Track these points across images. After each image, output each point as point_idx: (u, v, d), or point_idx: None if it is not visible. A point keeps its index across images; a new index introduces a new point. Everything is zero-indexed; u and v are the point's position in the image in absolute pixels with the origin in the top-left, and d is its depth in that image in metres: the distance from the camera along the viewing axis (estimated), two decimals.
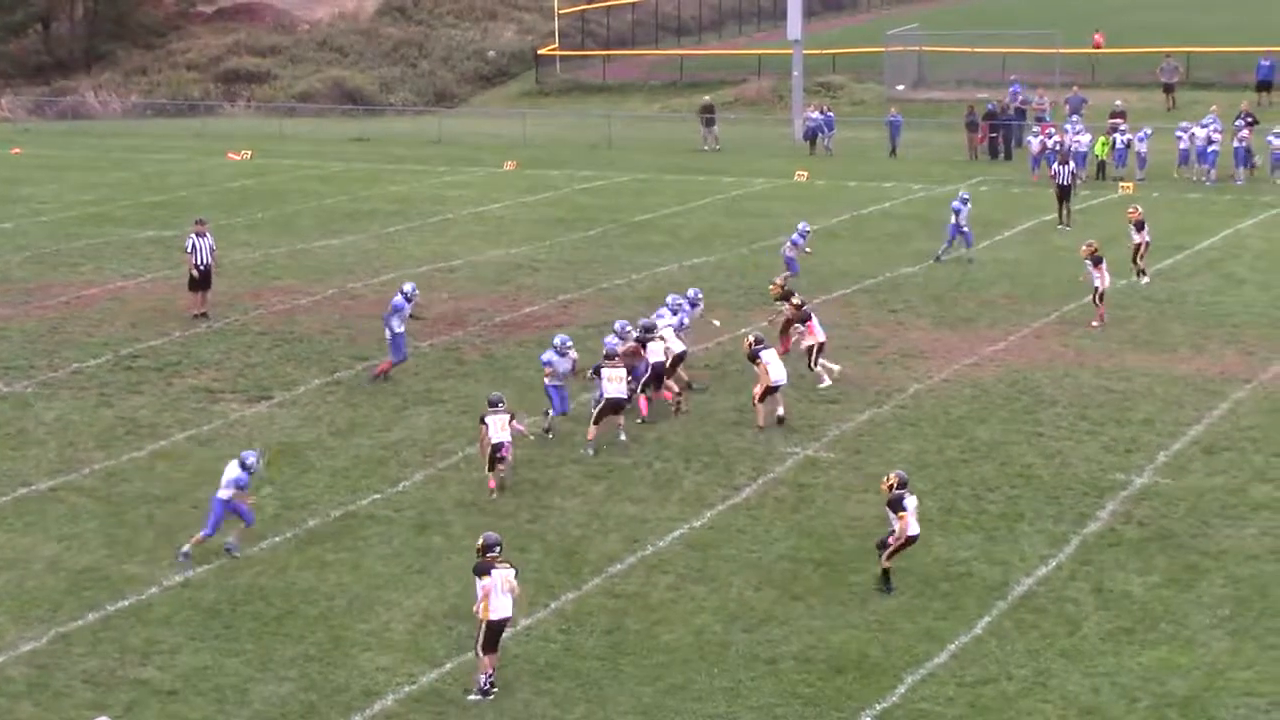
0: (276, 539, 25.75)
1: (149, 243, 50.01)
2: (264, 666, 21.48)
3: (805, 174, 61.68)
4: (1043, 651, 21.52)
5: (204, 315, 39.46)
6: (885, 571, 23.51)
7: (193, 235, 39.61)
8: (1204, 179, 57.81)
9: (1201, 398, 32.15)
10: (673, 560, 24.73)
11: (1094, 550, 24.81)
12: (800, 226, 42.14)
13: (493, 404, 27.61)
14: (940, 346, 36.33)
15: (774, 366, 30.65)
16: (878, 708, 20.14)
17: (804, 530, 25.62)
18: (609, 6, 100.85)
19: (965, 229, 44.33)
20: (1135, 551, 24.72)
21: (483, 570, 20.65)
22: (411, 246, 48.92)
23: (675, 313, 33.47)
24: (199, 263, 39.32)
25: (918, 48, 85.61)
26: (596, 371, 30.14)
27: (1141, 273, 41.81)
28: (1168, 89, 74.34)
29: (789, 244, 41.60)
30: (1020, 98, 69.08)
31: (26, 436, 31.11)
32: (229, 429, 31.39)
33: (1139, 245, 41.67)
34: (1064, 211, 50.06)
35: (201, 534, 24.79)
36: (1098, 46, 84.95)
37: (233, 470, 24.83)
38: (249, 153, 71.12)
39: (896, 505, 23.37)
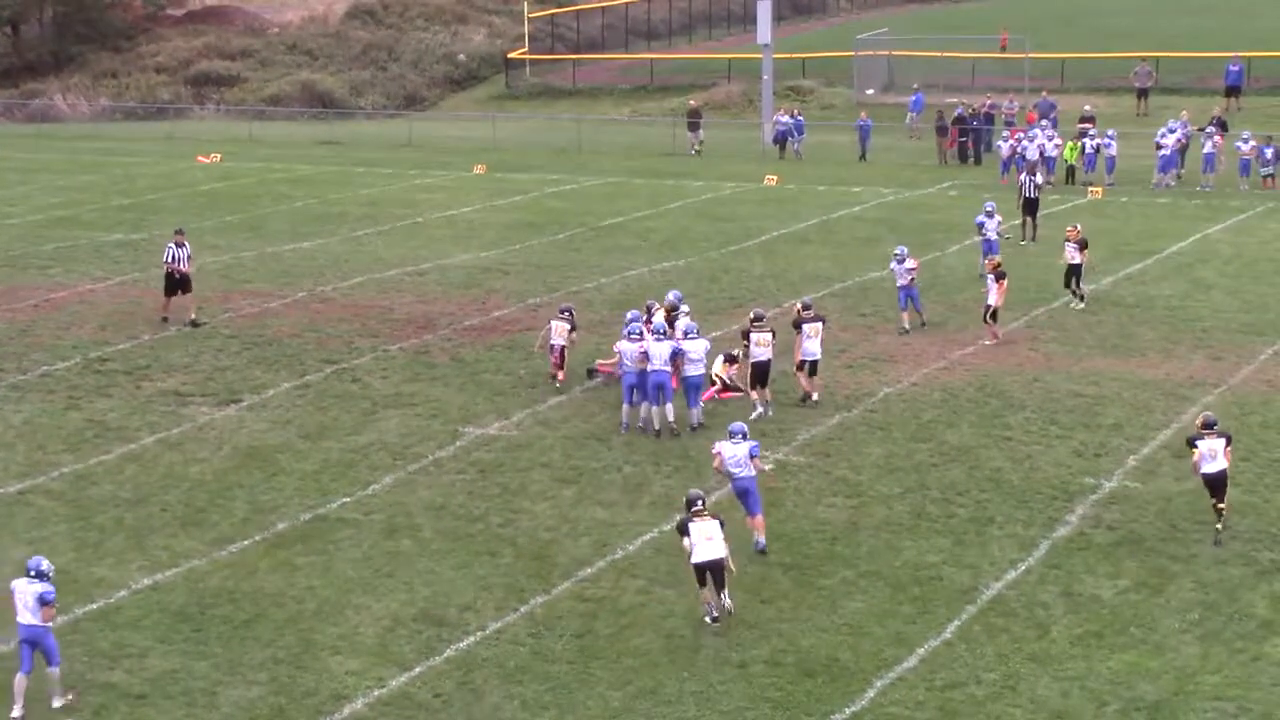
0: (245, 542, 25.69)
1: (118, 246, 49.88)
2: (233, 670, 21.43)
3: (775, 178, 61.77)
4: (1012, 656, 21.56)
5: (195, 323, 39.12)
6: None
7: (171, 245, 39.40)
8: (1199, 184, 58.02)
9: (1170, 402, 32.24)
10: (642, 564, 24.72)
11: (1063, 554, 24.85)
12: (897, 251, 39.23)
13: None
14: (910, 351, 36.38)
15: (808, 342, 32.14)
16: (847, 711, 20.14)
17: (773, 534, 25.59)
18: (579, 10, 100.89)
19: (993, 238, 43.23)
20: (1104, 556, 24.78)
21: (682, 529, 22.46)
22: (381, 250, 48.86)
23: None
24: (176, 268, 39.15)
25: (887, 52, 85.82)
26: (745, 336, 31.63)
27: (1080, 297, 40.01)
28: (1141, 94, 74.59)
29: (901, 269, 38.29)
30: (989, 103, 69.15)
31: None
32: (198, 432, 31.31)
33: (1078, 265, 39.68)
34: (1028, 225, 48.59)
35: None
36: (1003, 46, 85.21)
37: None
38: (218, 156, 70.98)
39: (1190, 443, 25.73)
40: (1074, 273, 39.86)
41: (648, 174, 64.56)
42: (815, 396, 32.44)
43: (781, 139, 69.47)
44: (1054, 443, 30.00)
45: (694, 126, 71.65)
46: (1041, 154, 58.94)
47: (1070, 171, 59.43)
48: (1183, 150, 59.25)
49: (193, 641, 22.25)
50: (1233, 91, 73.80)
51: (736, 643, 22.02)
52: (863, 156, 67.80)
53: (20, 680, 20.34)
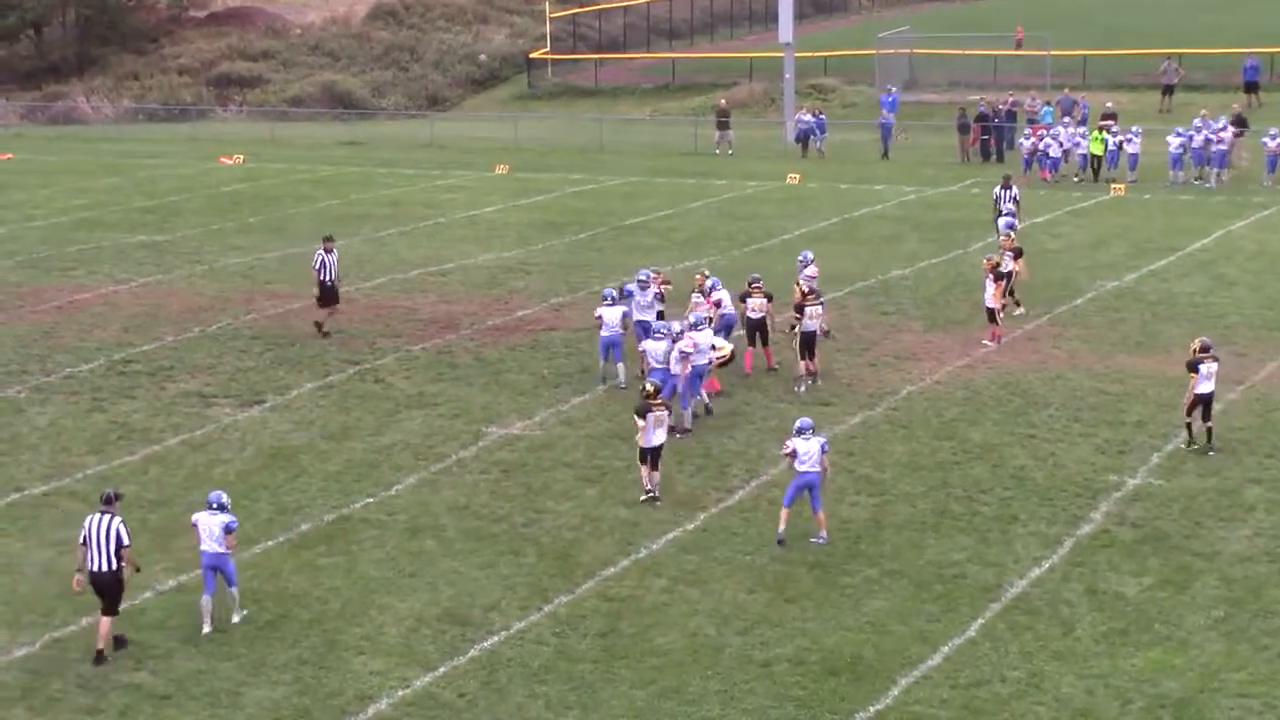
0: (269, 543, 25.73)
1: (141, 247, 49.98)
2: (257, 671, 21.47)
3: (797, 177, 61.72)
4: (1036, 653, 21.53)
5: (325, 333, 38.26)
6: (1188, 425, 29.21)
7: (321, 252, 38.54)
8: (1207, 181, 57.88)
9: None
10: (666, 563, 24.73)
11: (1087, 552, 24.82)
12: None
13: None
14: (932, 348, 36.34)
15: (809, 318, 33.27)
16: (871, 710, 20.13)
17: (796, 532, 25.58)
18: (600, 10, 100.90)
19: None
20: (1129, 553, 24.74)
21: (641, 414, 26.67)
22: (404, 250, 48.91)
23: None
24: (326, 278, 38.25)
25: (909, 50, 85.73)
26: (799, 309, 33.08)
27: (1017, 303, 38.95)
28: (1167, 90, 74.42)
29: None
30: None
31: (19, 441, 31.07)
32: (222, 433, 31.37)
33: (1012, 273, 38.22)
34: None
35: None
36: (1019, 43, 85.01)
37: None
38: (241, 157, 71.10)
39: (1192, 367, 28.81)
40: (1007, 280, 37.92)
41: (669, 173, 64.54)
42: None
43: (803, 138, 69.40)
44: (1077, 440, 29.96)
45: (723, 126, 71.41)
46: (1067, 151, 58.99)
47: (1096, 165, 59.24)
48: (1205, 146, 59.00)
49: (217, 642, 22.29)
50: (1251, 88, 73.58)
51: (760, 641, 22.02)
52: (885, 155, 67.74)
53: (206, 601, 22.60)
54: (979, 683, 20.75)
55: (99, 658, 21.67)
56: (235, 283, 44.24)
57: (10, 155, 74.05)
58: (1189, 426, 29.48)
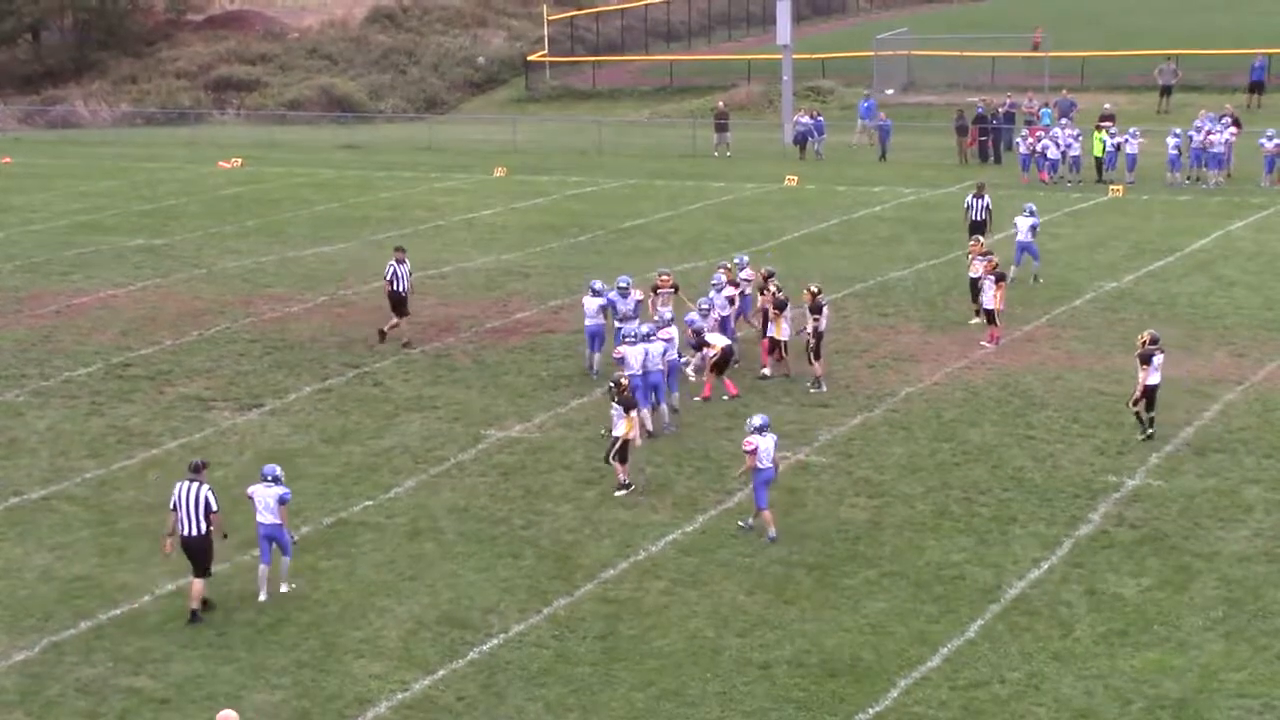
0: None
1: (139, 251, 49.98)
2: (257, 674, 21.47)
3: (795, 179, 61.72)
4: (1036, 654, 21.53)
5: (383, 338, 37.67)
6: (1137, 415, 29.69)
7: (392, 262, 37.81)
8: (1205, 182, 57.86)
9: (1193, 399, 32.17)
10: (665, 565, 24.73)
11: (1086, 552, 24.82)
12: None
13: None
14: (931, 350, 36.35)
15: (781, 324, 33.86)
16: (871, 711, 20.14)
17: (796, 534, 25.62)
18: (598, 12, 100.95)
19: (1024, 240, 42.51)
20: (1128, 554, 24.74)
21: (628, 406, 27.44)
22: None
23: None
24: (398, 288, 37.51)
25: (907, 52, 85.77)
26: (815, 310, 33.39)
27: (976, 313, 38.05)
28: (1165, 91, 74.42)
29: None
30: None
31: (18, 445, 31.08)
32: (220, 437, 31.37)
33: (979, 278, 37.40)
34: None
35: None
36: (1036, 45, 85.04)
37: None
38: (239, 160, 71.10)
39: (1145, 359, 29.16)
40: (976, 286, 37.80)
41: (668, 175, 64.55)
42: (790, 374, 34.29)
43: (801, 139, 69.37)
44: (1076, 441, 29.97)
45: (721, 128, 71.39)
46: (1064, 153, 58.97)
47: (1099, 166, 59.23)
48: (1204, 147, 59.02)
49: (216, 646, 22.30)
50: (1256, 88, 73.60)
51: (760, 643, 22.02)
52: (883, 156, 67.73)
53: (263, 570, 23.77)
54: (978, 684, 20.75)
55: (193, 616, 22.95)
56: (234, 286, 44.24)
57: (8, 159, 74.07)
58: (1139, 416, 29.90)
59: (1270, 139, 57.21)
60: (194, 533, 23.02)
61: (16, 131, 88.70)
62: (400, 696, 20.77)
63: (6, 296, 43.66)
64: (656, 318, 32.91)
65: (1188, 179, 58.30)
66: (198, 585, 23.08)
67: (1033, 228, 42.09)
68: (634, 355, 30.59)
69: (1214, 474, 28.05)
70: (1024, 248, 42.22)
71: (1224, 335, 37.03)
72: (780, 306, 33.91)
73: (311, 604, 23.62)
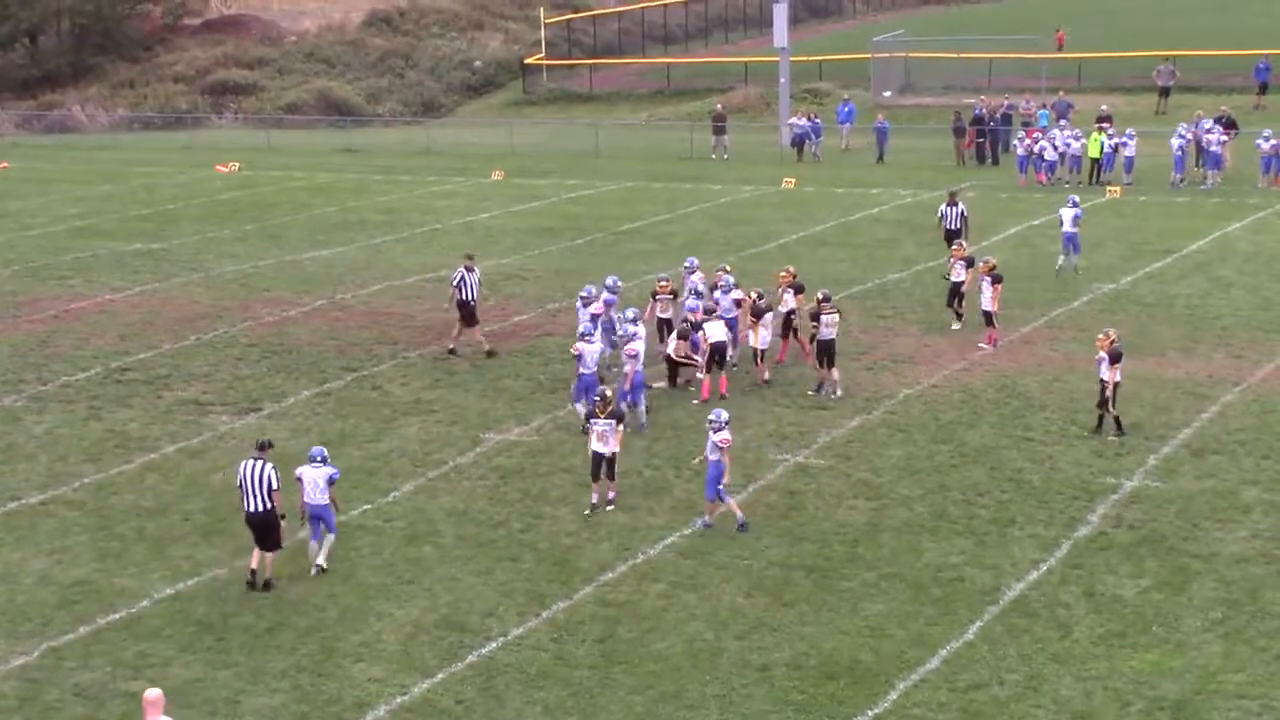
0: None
1: (137, 255, 49.99)
2: (255, 678, 21.46)
3: (793, 181, 61.74)
4: (1034, 656, 21.53)
5: (489, 351, 37.05)
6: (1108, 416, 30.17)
7: (461, 269, 37.23)
8: (1202, 182, 57.89)
9: (1190, 401, 32.19)
10: (664, 568, 24.72)
11: (1085, 554, 24.82)
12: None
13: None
14: (929, 352, 36.35)
15: (760, 331, 33.81)
16: (870, 713, 20.13)
17: (795, 537, 25.62)
18: (595, 15, 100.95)
19: (1069, 230, 42.41)
20: (1126, 555, 24.74)
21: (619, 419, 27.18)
22: (400, 257, 48.91)
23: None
24: (466, 297, 36.91)
25: (904, 54, 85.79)
26: (814, 317, 33.31)
27: (958, 315, 38.09)
28: (1163, 92, 74.48)
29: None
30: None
31: (16, 450, 31.07)
32: (219, 441, 31.37)
33: (960, 283, 37.58)
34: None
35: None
36: (1060, 45, 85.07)
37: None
38: (237, 164, 71.13)
39: (1115, 358, 29.67)
40: (955, 291, 37.91)
41: (665, 178, 64.58)
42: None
43: (799, 142, 69.43)
44: (1074, 442, 29.97)
45: (719, 130, 71.44)
46: (1063, 154, 59.00)
47: (1095, 169, 59.20)
48: (1198, 150, 59.05)
49: (215, 650, 22.29)
50: (1263, 89, 73.78)
51: (758, 646, 22.02)
52: (880, 158, 67.75)
53: (314, 546, 24.84)
54: (977, 686, 20.75)
55: (267, 585, 24.10)
56: (232, 290, 44.24)
57: (6, 164, 74.10)
58: (1117, 420, 30.35)
59: (1267, 140, 57.26)
60: (258, 509, 23.94)
61: (14, 136, 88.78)
62: (399, 700, 20.75)
63: (4, 301, 43.66)
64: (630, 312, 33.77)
65: (1183, 181, 58.24)
66: (268, 558, 24.18)
67: (1075, 218, 42.37)
68: (590, 353, 31.00)
69: (1212, 475, 28.06)
70: (1069, 239, 42.69)
71: (1221, 336, 37.04)
72: (758, 314, 33.85)
73: (310, 608, 23.61)
